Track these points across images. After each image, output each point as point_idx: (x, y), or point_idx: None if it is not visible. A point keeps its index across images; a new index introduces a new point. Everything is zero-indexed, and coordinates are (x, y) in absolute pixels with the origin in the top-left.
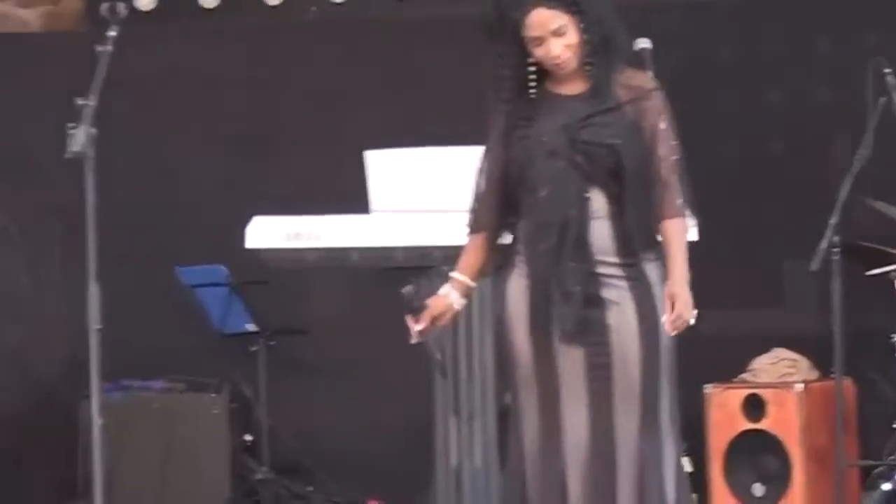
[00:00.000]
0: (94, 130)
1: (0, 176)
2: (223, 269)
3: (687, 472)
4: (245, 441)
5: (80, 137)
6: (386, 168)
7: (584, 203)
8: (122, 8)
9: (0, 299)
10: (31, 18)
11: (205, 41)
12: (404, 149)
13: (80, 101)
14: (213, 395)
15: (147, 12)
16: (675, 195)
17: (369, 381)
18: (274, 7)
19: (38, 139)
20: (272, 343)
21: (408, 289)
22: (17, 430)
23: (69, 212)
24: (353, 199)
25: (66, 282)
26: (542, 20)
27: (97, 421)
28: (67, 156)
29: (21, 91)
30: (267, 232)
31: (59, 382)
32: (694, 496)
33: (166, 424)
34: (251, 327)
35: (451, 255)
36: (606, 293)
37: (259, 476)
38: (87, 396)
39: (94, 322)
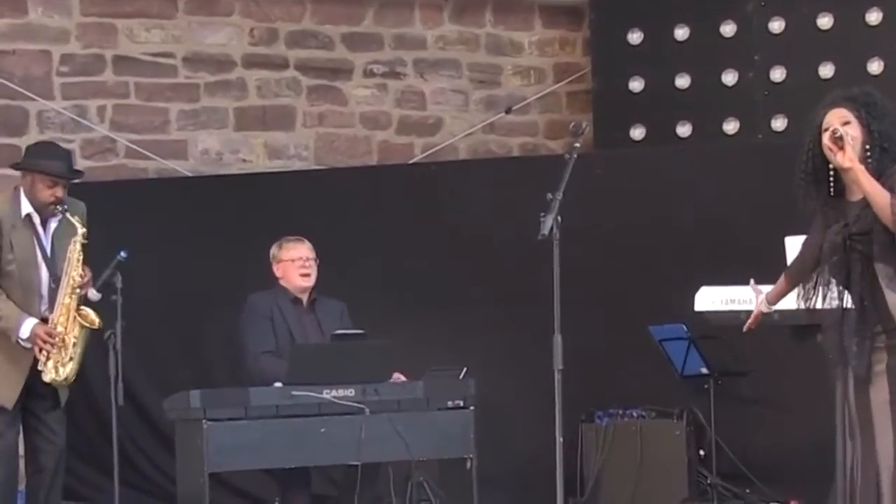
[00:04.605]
0: (559, 218)
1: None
2: (683, 327)
3: None
4: (699, 455)
5: (548, 223)
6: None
7: None
8: (583, 126)
9: None
10: (557, 147)
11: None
12: None
13: (549, 196)
14: (676, 420)
15: (638, 141)
16: None
17: (790, 409)
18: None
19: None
20: (720, 382)
21: None
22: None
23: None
24: (777, 272)
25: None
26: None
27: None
28: (539, 237)
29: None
30: (710, 298)
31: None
32: None
33: (641, 442)
34: (704, 370)
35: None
36: None
37: (710, 481)
38: (584, 420)
39: (558, 364)
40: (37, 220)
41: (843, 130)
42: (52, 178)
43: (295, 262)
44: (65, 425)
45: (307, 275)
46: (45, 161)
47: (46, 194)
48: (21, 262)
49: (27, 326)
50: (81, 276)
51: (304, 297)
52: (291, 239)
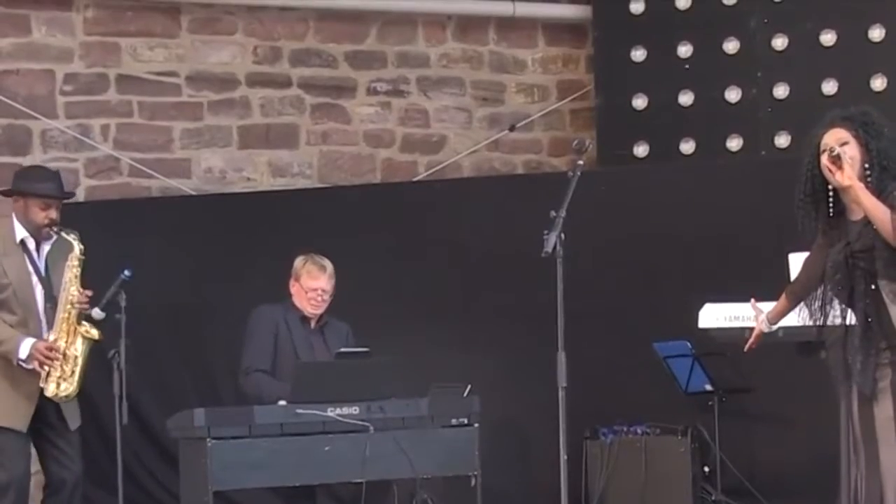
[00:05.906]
0: (563, 235)
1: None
2: (687, 343)
3: None
4: (703, 471)
5: (551, 240)
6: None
7: None
8: (587, 144)
9: None
10: (560, 164)
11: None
12: None
13: (552, 213)
14: (680, 437)
15: (641, 158)
16: None
17: (794, 425)
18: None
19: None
20: (724, 399)
21: None
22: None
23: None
24: (780, 288)
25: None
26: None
27: (563, 456)
28: (543, 254)
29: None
30: (715, 315)
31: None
32: None
33: (645, 458)
34: (708, 387)
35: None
36: None
37: (714, 498)
38: (588, 437)
39: (562, 381)
40: (31, 244)
41: (841, 150)
42: (46, 200)
43: (308, 294)
44: (79, 451)
45: (317, 306)
46: (38, 184)
47: (41, 216)
48: (17, 286)
49: (25, 346)
50: (80, 293)
51: (313, 319)
52: (317, 263)
